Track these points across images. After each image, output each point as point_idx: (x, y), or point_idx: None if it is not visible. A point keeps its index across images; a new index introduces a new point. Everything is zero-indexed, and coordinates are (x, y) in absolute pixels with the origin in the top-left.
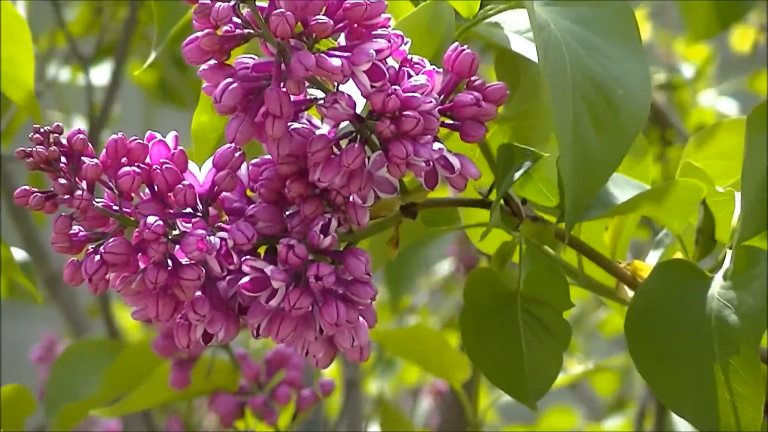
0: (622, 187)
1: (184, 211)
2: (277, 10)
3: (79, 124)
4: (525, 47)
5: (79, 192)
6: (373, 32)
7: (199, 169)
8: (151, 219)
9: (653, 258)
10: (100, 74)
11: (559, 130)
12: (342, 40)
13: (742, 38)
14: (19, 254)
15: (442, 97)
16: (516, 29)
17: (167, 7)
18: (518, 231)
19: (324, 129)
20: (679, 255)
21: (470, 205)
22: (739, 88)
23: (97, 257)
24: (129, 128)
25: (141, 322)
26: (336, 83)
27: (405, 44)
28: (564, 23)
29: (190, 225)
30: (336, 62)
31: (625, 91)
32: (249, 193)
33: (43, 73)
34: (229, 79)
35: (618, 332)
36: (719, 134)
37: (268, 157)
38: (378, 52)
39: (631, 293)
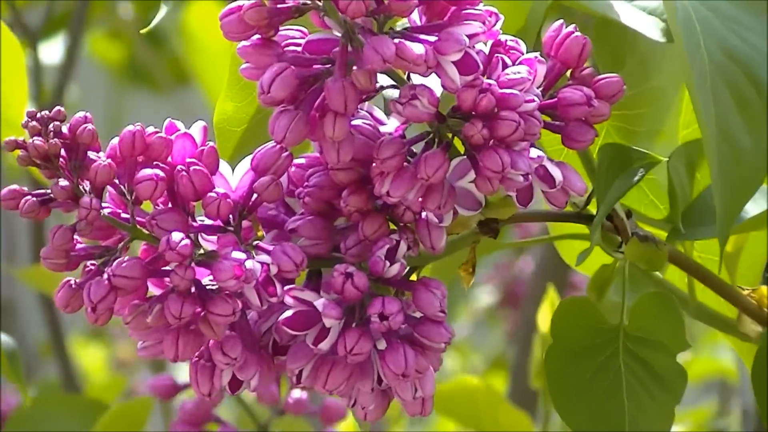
0: None
1: (212, 224)
2: None
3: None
4: (636, 17)
5: (86, 198)
6: (464, 10)
7: (232, 169)
8: (176, 236)
9: None
10: (52, 51)
11: (703, 120)
12: (416, 16)
13: None
14: None
15: (541, 90)
16: None
17: None
18: (621, 252)
19: (390, 125)
20: None
21: (564, 219)
22: None
23: (105, 281)
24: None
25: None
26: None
27: (499, 21)
28: None
29: (215, 239)
30: (419, 50)
31: None
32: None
33: None
34: (280, 64)
35: (710, 376)
36: None
37: (316, 155)
38: (471, 37)
39: (757, 328)
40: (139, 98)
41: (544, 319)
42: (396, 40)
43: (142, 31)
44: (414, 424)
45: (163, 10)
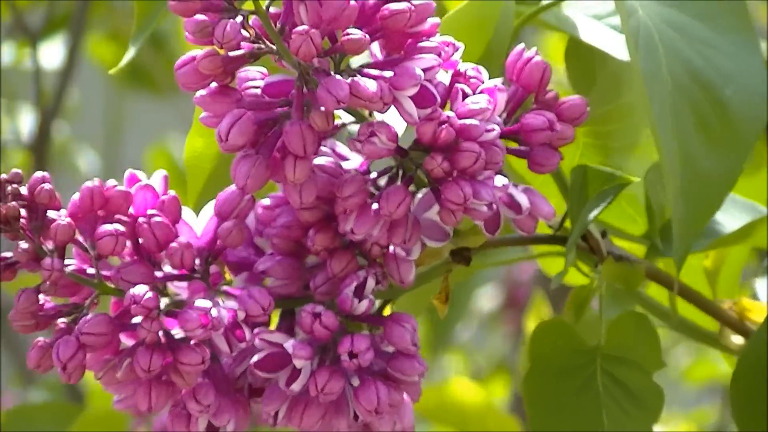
0: (726, 209)
1: (178, 273)
2: (299, 28)
3: (28, 113)
4: (603, 36)
5: (48, 260)
6: (419, 43)
7: (195, 213)
8: (139, 290)
9: (764, 289)
10: (53, 52)
11: (660, 141)
12: (376, 49)
13: None
14: None
15: (505, 116)
16: (594, 12)
17: None
18: (598, 271)
19: (354, 161)
20: None
21: (538, 242)
22: None
23: (72, 339)
24: (89, 120)
25: None
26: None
27: (457, 51)
28: (655, 6)
29: (185, 285)
30: (373, 87)
31: (734, 89)
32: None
33: None
34: (237, 110)
35: (705, 379)
36: None
37: (282, 195)
38: (426, 71)
39: (738, 339)
40: (139, 101)
41: (531, 326)
42: (350, 80)
43: (112, 72)
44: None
45: (131, 51)
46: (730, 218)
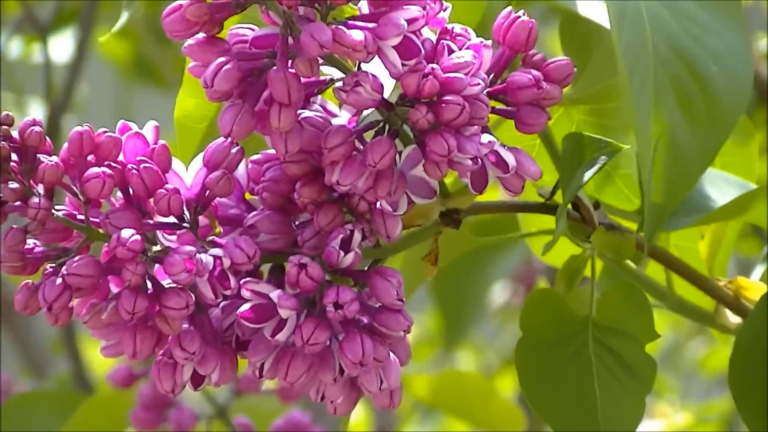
0: (720, 187)
1: (167, 221)
2: None
3: (37, 107)
4: (598, 11)
5: (35, 199)
6: None
7: (186, 168)
8: (126, 233)
9: (761, 274)
10: (62, 46)
11: (637, 116)
12: (364, 6)
13: None
14: None
15: (492, 76)
16: None
17: None
18: (590, 242)
19: (343, 118)
20: None
21: (528, 210)
22: None
23: (59, 280)
24: (98, 113)
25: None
26: (357, 61)
27: (444, 10)
28: None
29: (174, 238)
30: (358, 36)
31: (720, 67)
32: (248, 196)
33: None
34: (223, 58)
35: (723, 369)
36: None
37: (273, 152)
38: (410, 22)
39: (734, 318)
40: (147, 94)
41: None
42: (334, 27)
43: (113, 30)
44: (424, 424)
45: (124, 16)
46: (720, 194)
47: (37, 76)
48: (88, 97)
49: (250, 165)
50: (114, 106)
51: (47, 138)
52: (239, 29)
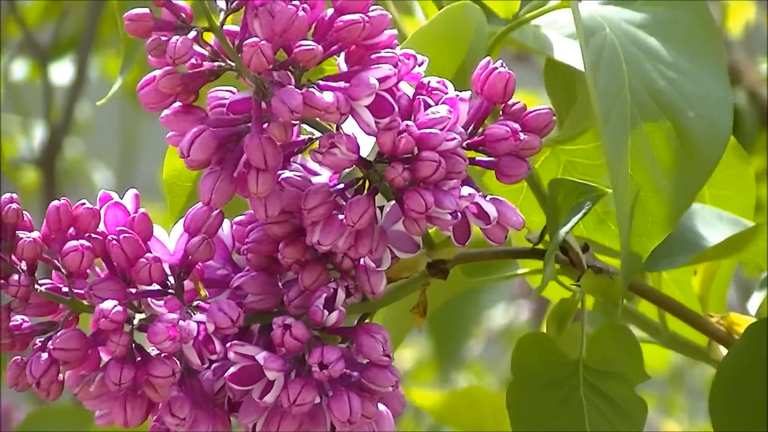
0: (712, 224)
1: (151, 288)
2: (250, 40)
3: (40, 129)
4: (575, 54)
5: (15, 276)
6: (375, 54)
7: (169, 233)
8: (107, 304)
9: (756, 304)
10: (62, 70)
11: (611, 162)
12: (342, 63)
13: None
14: None
15: (471, 128)
16: (569, 32)
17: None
18: (579, 285)
19: (324, 176)
20: None
21: (517, 256)
22: None
23: (45, 355)
24: (104, 137)
25: None
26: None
27: (420, 65)
28: (624, 27)
29: (162, 303)
30: (329, 98)
31: (697, 113)
32: (235, 256)
33: None
34: (198, 127)
35: None
36: None
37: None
38: (382, 80)
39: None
40: (153, 118)
41: None
42: (304, 90)
43: (99, 103)
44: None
45: (118, 82)
46: (713, 231)
47: (42, 99)
48: (91, 119)
49: (234, 226)
50: (120, 130)
51: (25, 213)
52: (218, 92)
